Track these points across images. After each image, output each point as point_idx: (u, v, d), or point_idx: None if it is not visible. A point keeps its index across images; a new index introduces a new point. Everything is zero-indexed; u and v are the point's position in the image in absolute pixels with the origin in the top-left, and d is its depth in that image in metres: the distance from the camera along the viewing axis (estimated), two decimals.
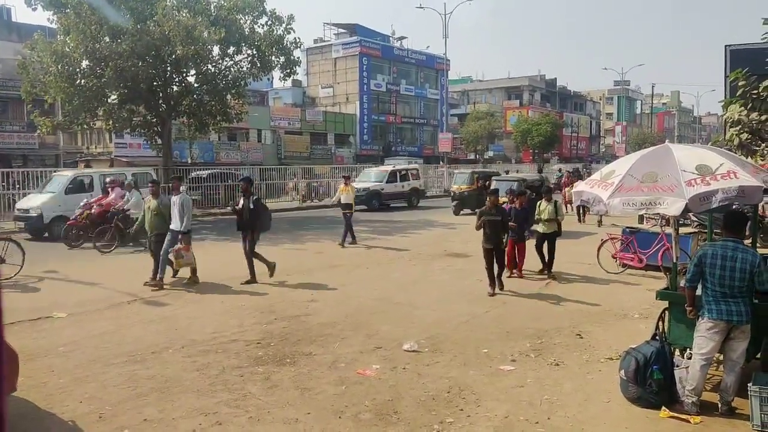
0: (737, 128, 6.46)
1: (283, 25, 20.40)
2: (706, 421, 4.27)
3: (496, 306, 7.77)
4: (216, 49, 20.17)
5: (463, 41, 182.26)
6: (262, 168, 28.44)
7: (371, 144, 48.34)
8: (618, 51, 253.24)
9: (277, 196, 26.62)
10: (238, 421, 4.28)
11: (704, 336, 4.33)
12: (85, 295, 8.35)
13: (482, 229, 8.36)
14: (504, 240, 8.74)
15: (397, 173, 24.74)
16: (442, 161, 40.02)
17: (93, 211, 13.23)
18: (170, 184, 9.81)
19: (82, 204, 13.59)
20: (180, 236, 8.80)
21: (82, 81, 18.44)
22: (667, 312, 5.13)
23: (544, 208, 9.80)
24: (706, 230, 8.22)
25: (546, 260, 9.74)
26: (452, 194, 21.79)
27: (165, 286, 8.74)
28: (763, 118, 6.28)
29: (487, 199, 8.66)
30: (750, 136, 6.48)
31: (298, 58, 22.25)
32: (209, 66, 20.31)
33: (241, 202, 9.35)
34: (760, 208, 10.07)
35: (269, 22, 20.44)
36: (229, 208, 13.26)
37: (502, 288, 8.45)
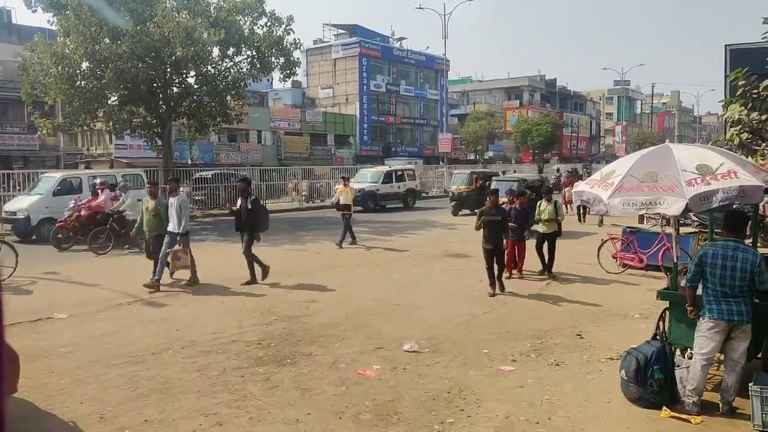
0: (737, 128, 6.46)
1: (283, 26, 20.41)
2: (707, 421, 4.26)
3: (496, 306, 7.76)
4: (216, 51, 20.18)
5: (462, 42, 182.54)
6: (262, 169, 28.45)
7: (371, 145, 48.35)
8: (618, 51, 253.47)
9: (278, 196, 26.62)
10: (239, 422, 4.28)
11: (705, 336, 4.33)
12: (84, 296, 8.35)
13: (482, 230, 8.35)
14: (504, 241, 8.72)
15: (393, 174, 24.44)
16: (442, 162, 40.03)
17: (82, 213, 13.07)
18: (167, 186, 9.71)
19: (69, 206, 13.38)
20: (178, 238, 8.77)
21: (82, 82, 18.45)
22: (667, 312, 5.13)
23: (544, 208, 9.79)
24: (706, 230, 8.22)
25: (546, 261, 9.73)
26: (451, 195, 21.72)
27: (163, 288, 8.72)
28: (764, 117, 6.28)
29: (487, 199, 8.64)
30: (750, 135, 6.48)
31: (298, 59, 22.25)
32: (209, 67, 20.32)
33: (239, 202, 9.35)
34: (760, 207, 10.06)
35: (269, 23, 20.45)
36: (226, 210, 13.21)
37: (502, 290, 8.43)
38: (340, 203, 13.69)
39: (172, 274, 9.27)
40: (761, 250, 5.07)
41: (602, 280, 9.48)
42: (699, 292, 4.48)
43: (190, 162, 31.56)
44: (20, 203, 14.74)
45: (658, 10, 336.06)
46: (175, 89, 20.37)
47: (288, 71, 21.34)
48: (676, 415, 4.33)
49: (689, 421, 4.25)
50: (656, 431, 4.19)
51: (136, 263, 10.65)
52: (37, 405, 4.55)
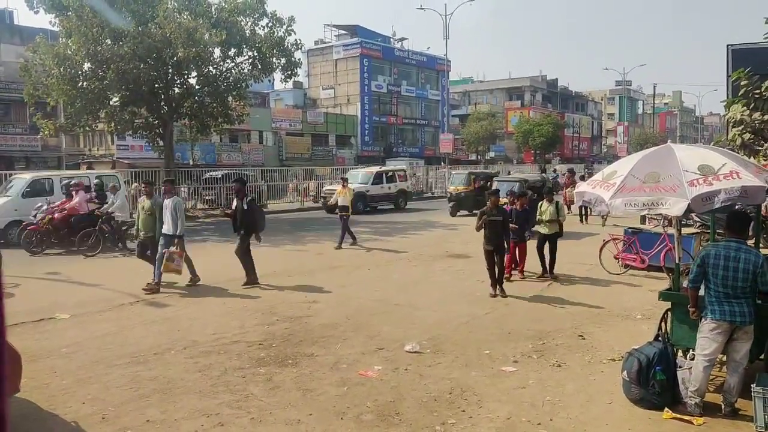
0: (740, 128, 6.44)
1: (284, 27, 20.44)
2: (709, 422, 4.25)
3: (497, 307, 7.75)
4: (217, 51, 20.24)
5: (463, 42, 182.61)
6: (263, 169, 28.49)
7: (372, 145, 48.37)
8: (619, 51, 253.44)
9: (280, 197, 26.62)
10: (240, 422, 4.28)
11: (707, 337, 4.32)
12: (86, 297, 8.36)
13: (483, 231, 8.32)
14: (506, 243, 8.65)
15: (384, 174, 23.96)
16: (443, 162, 40.03)
17: (56, 216, 12.55)
18: (163, 187, 9.42)
19: (36, 207, 12.86)
20: (176, 240, 8.67)
21: (84, 83, 18.50)
22: (669, 313, 5.12)
23: (545, 208, 9.76)
24: (708, 231, 8.21)
25: (547, 262, 9.69)
26: (449, 195, 21.60)
27: (165, 289, 8.71)
28: (766, 118, 6.27)
29: (488, 199, 8.62)
30: (752, 136, 6.47)
31: (299, 59, 22.29)
32: (210, 68, 20.37)
33: (234, 203, 9.32)
34: (763, 208, 10.04)
35: (270, 24, 20.49)
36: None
37: (504, 295, 8.24)
38: (339, 204, 13.68)
39: (156, 275, 8.76)
40: (764, 251, 5.06)
41: (604, 280, 9.47)
42: (701, 293, 4.47)
43: (191, 162, 31.61)
44: None
45: (659, 10, 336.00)
46: (176, 90, 20.42)
47: (289, 72, 21.38)
48: (678, 416, 4.32)
49: (691, 423, 4.24)
50: None
51: (136, 264, 10.65)
52: (40, 405, 4.56)
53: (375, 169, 25.41)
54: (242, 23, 20.09)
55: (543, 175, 24.68)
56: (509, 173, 28.32)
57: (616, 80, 79.28)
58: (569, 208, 16.77)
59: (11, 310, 6.94)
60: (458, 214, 20.33)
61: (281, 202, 26.14)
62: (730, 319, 4.23)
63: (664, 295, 5.10)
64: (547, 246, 9.67)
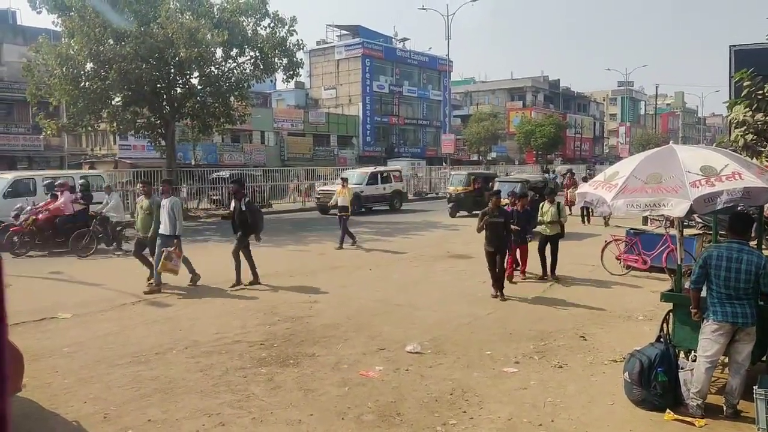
0: (742, 129, 6.44)
1: (286, 27, 20.46)
2: (711, 424, 4.25)
3: (498, 307, 7.75)
4: (219, 52, 20.25)
5: (465, 42, 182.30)
6: (265, 169, 28.52)
7: (374, 145, 48.39)
8: (620, 51, 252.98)
9: (281, 197, 26.63)
10: (242, 422, 4.29)
11: (709, 338, 4.31)
12: (88, 296, 8.37)
13: (484, 232, 8.30)
14: (508, 245, 8.61)
15: (378, 175, 23.61)
16: (445, 162, 40.03)
17: (40, 217, 12.19)
18: (160, 187, 9.29)
19: (16, 208, 12.53)
20: (175, 240, 8.63)
21: (87, 83, 18.54)
22: (671, 314, 5.11)
23: (546, 209, 9.74)
24: (710, 232, 8.19)
25: (548, 264, 9.67)
26: (448, 196, 21.52)
27: (167, 288, 8.72)
28: None
29: (490, 200, 8.60)
30: (755, 137, 6.46)
31: (301, 60, 22.29)
32: (212, 68, 20.39)
33: (233, 204, 9.31)
34: (765, 209, 10.02)
35: (272, 24, 20.51)
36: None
37: (503, 299, 8.09)
38: (339, 204, 13.67)
39: (156, 276, 8.72)
40: (766, 252, 5.05)
41: (606, 281, 9.46)
42: (703, 294, 4.46)
43: (193, 162, 31.66)
44: None
45: (659, 10, 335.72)
46: (178, 90, 20.45)
47: (291, 72, 21.39)
48: (680, 417, 4.32)
49: (693, 424, 4.23)
50: None
51: (136, 264, 10.65)
52: (41, 404, 4.57)
53: (369, 169, 25.07)
54: (244, 23, 20.11)
55: (545, 175, 24.65)
56: (505, 174, 28.18)
57: (618, 81, 79.26)
58: (570, 209, 16.77)
59: (13, 310, 6.95)
60: (458, 215, 20.29)
61: (282, 202, 26.16)
62: (732, 321, 4.22)
63: (666, 297, 5.09)
64: (548, 247, 9.66)
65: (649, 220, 12.42)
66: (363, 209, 22.61)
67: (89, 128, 21.32)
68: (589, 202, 4.97)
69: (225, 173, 24.09)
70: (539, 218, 9.88)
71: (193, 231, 16.81)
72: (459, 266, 10.90)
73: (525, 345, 6.07)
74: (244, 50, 20.49)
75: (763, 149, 6.52)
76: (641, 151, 8.71)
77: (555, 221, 9.62)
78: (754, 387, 4.12)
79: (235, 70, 20.95)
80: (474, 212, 19.81)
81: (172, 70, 19.55)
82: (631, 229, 10.80)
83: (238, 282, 9.01)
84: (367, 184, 22.84)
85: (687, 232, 9.48)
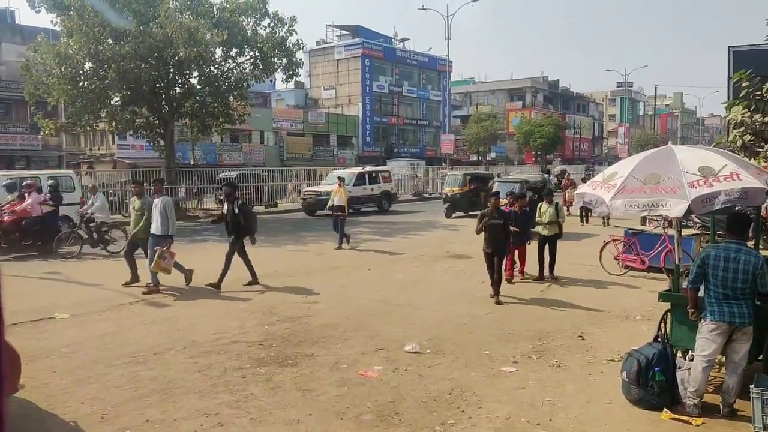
0: (740, 130, 6.46)
1: (286, 27, 20.47)
2: (708, 423, 4.26)
3: (497, 307, 7.75)
4: (218, 51, 20.25)
5: (465, 43, 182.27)
6: (264, 169, 28.53)
7: (373, 145, 48.40)
8: (619, 52, 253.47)
9: (280, 197, 26.63)
10: (240, 422, 4.29)
11: (706, 338, 4.32)
12: (86, 296, 8.36)
13: (483, 233, 8.29)
14: (506, 247, 8.59)
15: (366, 175, 22.99)
16: (444, 163, 40.05)
17: (5, 218, 11.64)
18: (153, 186, 9.17)
19: None
20: (168, 240, 8.56)
21: (85, 83, 18.53)
22: (669, 314, 5.12)
23: (545, 210, 9.75)
24: (708, 232, 8.20)
25: (546, 265, 9.67)
26: (444, 196, 21.32)
27: (164, 288, 8.71)
28: (767, 119, 6.27)
29: (489, 202, 8.59)
30: (753, 137, 6.48)
31: (301, 59, 22.28)
32: (212, 68, 20.39)
33: (225, 207, 9.25)
34: (763, 209, 10.03)
35: (272, 24, 20.51)
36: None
37: (499, 302, 7.90)
38: (335, 204, 13.66)
39: (153, 276, 8.68)
40: (763, 253, 5.06)
41: (604, 282, 9.47)
42: (701, 294, 4.48)
43: (192, 162, 31.65)
44: None
45: (659, 11, 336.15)
46: (177, 90, 20.44)
47: (291, 72, 21.39)
48: (677, 416, 4.33)
49: (690, 423, 4.24)
50: None
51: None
52: (39, 405, 4.56)
53: (357, 169, 24.55)
54: (244, 23, 20.11)
55: (544, 176, 24.65)
56: (498, 175, 28.08)
57: (617, 81, 79.39)
58: (569, 209, 16.78)
59: (10, 310, 6.95)
60: (453, 215, 20.22)
61: (282, 201, 26.17)
62: (729, 320, 4.23)
63: (663, 296, 5.10)
64: (546, 248, 9.66)
65: (647, 221, 12.44)
66: (351, 210, 22.39)
67: (88, 128, 21.29)
68: (588, 202, 4.98)
69: (233, 173, 23.88)
70: (537, 219, 9.88)
71: (192, 231, 16.81)
72: (458, 266, 10.90)
73: (523, 345, 6.08)
74: (243, 50, 20.49)
75: (761, 150, 6.54)
76: (640, 151, 8.72)
77: (553, 222, 9.62)
78: (750, 386, 4.13)
79: (234, 70, 20.94)
80: (470, 213, 19.78)
81: (171, 70, 19.54)
82: (630, 229, 10.81)
83: (217, 285, 8.74)
84: (354, 185, 21.69)
85: (685, 232, 9.50)
